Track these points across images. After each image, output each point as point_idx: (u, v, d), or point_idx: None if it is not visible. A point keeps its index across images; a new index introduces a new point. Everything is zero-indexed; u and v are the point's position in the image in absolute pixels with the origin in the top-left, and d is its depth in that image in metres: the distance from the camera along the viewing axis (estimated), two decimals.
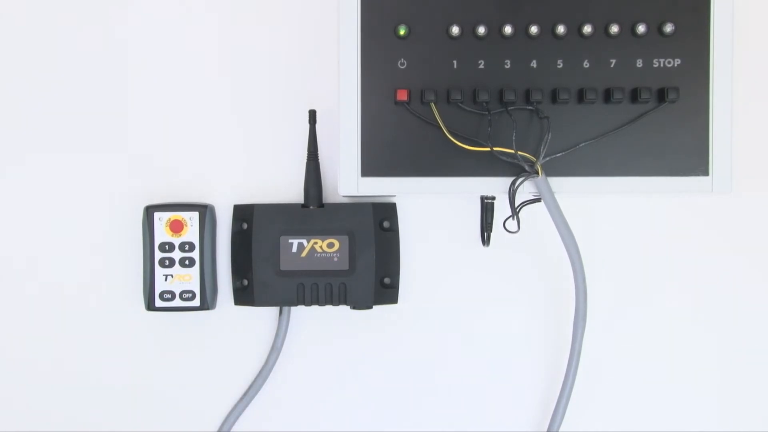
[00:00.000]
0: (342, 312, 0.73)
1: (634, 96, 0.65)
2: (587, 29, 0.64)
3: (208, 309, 0.71)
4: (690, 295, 0.75)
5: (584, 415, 0.74)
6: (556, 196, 0.65)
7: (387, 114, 0.65)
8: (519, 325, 0.74)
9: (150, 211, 0.71)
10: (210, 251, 0.71)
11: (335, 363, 0.74)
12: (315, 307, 0.73)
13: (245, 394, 0.73)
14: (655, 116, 0.65)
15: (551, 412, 0.72)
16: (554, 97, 0.64)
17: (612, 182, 0.65)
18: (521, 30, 0.64)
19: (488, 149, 0.63)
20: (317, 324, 0.74)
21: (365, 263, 0.70)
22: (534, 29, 0.64)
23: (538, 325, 0.74)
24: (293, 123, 0.72)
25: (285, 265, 0.70)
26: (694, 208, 0.74)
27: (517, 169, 0.64)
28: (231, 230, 0.72)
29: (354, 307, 0.71)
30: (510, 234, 0.68)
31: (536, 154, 0.64)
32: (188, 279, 0.71)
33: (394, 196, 0.72)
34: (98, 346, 0.73)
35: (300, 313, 0.73)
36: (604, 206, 0.74)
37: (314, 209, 0.70)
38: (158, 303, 0.71)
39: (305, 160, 0.71)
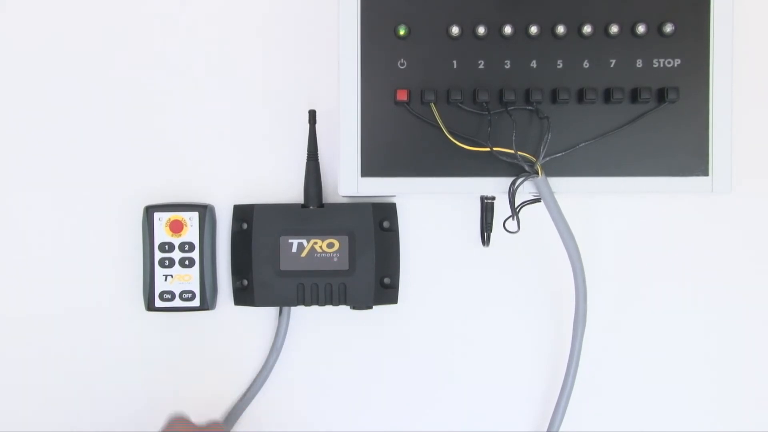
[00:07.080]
0: (342, 312, 0.73)
1: (634, 96, 0.65)
2: (587, 29, 0.64)
3: (208, 309, 0.71)
4: (690, 295, 0.75)
5: (584, 415, 0.74)
6: (556, 196, 0.65)
7: (387, 114, 0.65)
8: (519, 325, 0.74)
9: (150, 211, 0.71)
10: (210, 251, 0.71)
11: (335, 363, 0.74)
12: (315, 307, 0.73)
13: (245, 394, 0.73)
14: (655, 116, 0.65)
15: (551, 412, 0.72)
16: (554, 97, 0.64)
17: (612, 182, 0.65)
18: (521, 30, 0.64)
19: (488, 149, 0.63)
20: (317, 324, 0.74)
21: (365, 263, 0.70)
22: (534, 29, 0.64)
23: (538, 325, 0.74)
24: (293, 123, 0.72)
25: (285, 265, 0.70)
26: (694, 208, 0.74)
27: (517, 169, 0.64)
28: (231, 230, 0.72)
29: (354, 307, 0.71)
30: (510, 234, 0.68)
31: (536, 154, 0.64)
32: (188, 279, 0.71)
33: (394, 196, 0.72)
34: (98, 346, 0.73)
35: (300, 313, 0.73)
36: (604, 206, 0.74)
37: (314, 209, 0.70)
38: (158, 303, 0.71)
39: (305, 160, 0.71)
